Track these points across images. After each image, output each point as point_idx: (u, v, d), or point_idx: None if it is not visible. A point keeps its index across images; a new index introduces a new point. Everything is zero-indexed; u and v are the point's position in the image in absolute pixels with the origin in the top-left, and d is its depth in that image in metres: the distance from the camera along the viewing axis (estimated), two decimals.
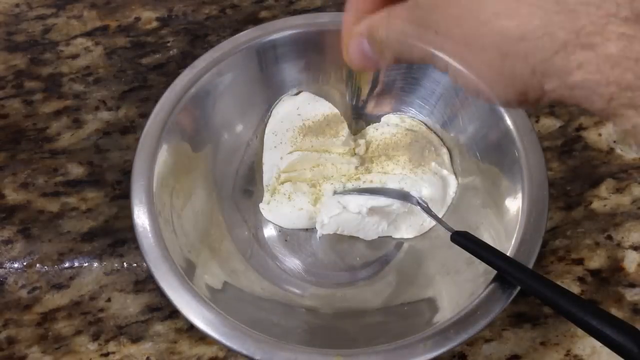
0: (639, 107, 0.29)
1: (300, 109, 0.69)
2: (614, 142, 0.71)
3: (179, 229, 0.58)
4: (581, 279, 0.63)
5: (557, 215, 0.67)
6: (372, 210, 0.63)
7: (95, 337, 0.60)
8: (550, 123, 0.72)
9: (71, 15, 0.81)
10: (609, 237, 0.66)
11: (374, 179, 0.65)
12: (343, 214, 0.63)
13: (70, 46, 0.79)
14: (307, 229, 0.66)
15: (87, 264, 0.63)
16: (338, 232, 0.64)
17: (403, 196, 0.63)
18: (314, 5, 0.81)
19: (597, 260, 0.64)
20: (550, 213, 0.66)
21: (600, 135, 0.72)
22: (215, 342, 0.51)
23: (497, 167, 0.62)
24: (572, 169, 0.70)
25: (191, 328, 0.60)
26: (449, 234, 0.57)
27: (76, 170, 0.69)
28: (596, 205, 0.67)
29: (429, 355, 0.50)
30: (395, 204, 0.63)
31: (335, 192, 0.65)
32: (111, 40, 0.79)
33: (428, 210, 0.62)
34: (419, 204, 0.63)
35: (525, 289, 0.51)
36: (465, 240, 0.55)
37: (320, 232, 0.64)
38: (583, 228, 0.66)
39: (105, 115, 0.73)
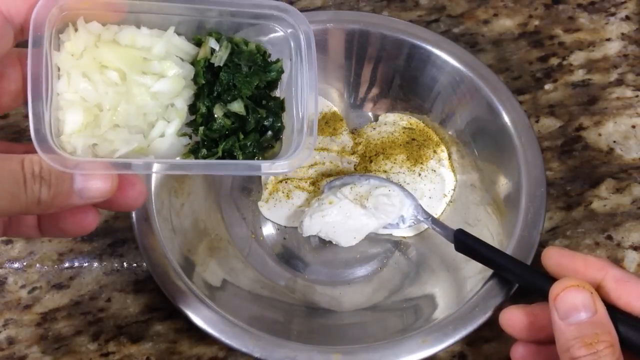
0: None
1: None
2: (614, 142, 0.71)
3: (178, 227, 0.58)
4: None
5: (557, 215, 0.67)
6: (375, 203, 0.62)
7: (95, 337, 0.60)
8: (550, 123, 0.72)
9: None
10: (609, 237, 0.65)
11: None
12: (327, 216, 0.62)
13: None
14: None
15: (87, 264, 0.63)
16: (321, 235, 0.63)
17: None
18: (314, 5, 0.81)
19: None
20: (550, 213, 0.66)
21: (600, 135, 0.72)
22: (215, 341, 0.51)
23: (495, 164, 0.62)
24: (572, 169, 0.69)
25: (191, 328, 0.60)
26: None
27: None
28: (596, 205, 0.67)
29: (428, 351, 0.50)
30: (398, 197, 0.63)
31: (327, 186, 0.65)
32: None
33: (435, 223, 0.61)
34: (419, 220, 0.62)
35: (521, 281, 0.51)
36: (469, 251, 0.55)
37: (304, 233, 0.63)
38: (583, 228, 0.66)
39: None
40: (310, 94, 0.44)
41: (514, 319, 0.49)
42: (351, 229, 0.62)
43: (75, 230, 0.43)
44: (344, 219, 0.62)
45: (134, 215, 0.56)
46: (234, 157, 0.43)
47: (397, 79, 0.68)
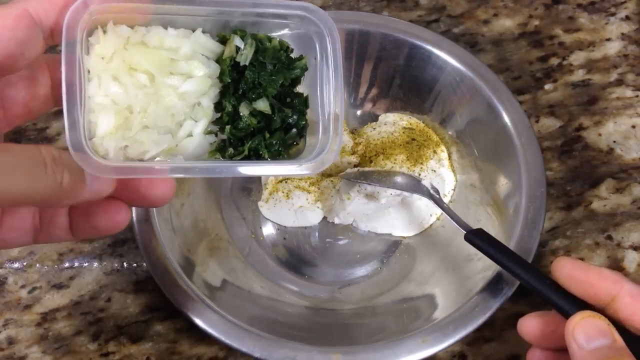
0: None
1: None
2: (614, 142, 0.71)
3: (178, 227, 0.58)
4: None
5: (557, 215, 0.67)
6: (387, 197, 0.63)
7: (95, 337, 0.60)
8: (550, 123, 0.72)
9: None
10: (609, 237, 0.65)
11: None
12: (366, 203, 0.63)
13: None
14: (305, 227, 0.66)
15: (87, 264, 0.63)
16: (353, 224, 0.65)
17: (413, 186, 0.62)
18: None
19: (597, 260, 0.64)
20: (550, 213, 0.66)
21: (600, 135, 0.72)
22: (215, 341, 0.51)
23: (495, 164, 0.62)
24: (572, 169, 0.69)
25: (191, 328, 0.60)
26: (448, 231, 0.57)
27: None
28: (596, 205, 0.67)
29: (428, 351, 0.50)
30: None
31: (346, 178, 0.65)
32: None
33: (440, 203, 0.60)
34: (430, 196, 0.61)
35: (542, 297, 0.49)
36: (480, 241, 0.53)
37: (337, 220, 0.65)
38: (583, 228, 0.66)
39: None
40: (337, 94, 0.44)
41: (532, 326, 0.49)
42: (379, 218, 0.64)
43: (109, 226, 0.43)
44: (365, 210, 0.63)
45: (134, 215, 0.56)
46: (260, 156, 0.43)
47: (397, 79, 0.68)
